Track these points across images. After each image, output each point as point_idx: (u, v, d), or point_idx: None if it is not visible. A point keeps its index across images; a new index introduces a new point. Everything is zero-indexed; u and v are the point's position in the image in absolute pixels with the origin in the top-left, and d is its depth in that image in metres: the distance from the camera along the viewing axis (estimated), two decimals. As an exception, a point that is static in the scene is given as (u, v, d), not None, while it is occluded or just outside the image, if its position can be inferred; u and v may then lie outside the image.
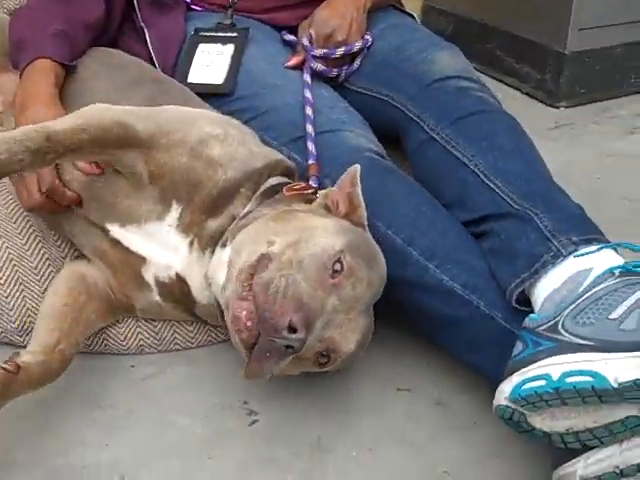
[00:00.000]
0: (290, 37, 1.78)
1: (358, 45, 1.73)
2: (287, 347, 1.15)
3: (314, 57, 1.68)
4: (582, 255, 1.25)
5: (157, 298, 1.45)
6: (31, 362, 1.27)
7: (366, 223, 1.35)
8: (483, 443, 1.36)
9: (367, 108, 1.70)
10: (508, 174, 1.41)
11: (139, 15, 1.76)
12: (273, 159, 1.46)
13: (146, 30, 1.73)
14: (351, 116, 1.64)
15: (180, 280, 1.41)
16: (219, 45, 1.71)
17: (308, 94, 1.60)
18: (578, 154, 2.41)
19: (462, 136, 1.51)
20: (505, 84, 2.87)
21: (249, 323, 1.16)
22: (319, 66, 1.69)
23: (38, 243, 1.51)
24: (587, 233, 1.30)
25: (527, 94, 2.79)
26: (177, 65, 1.72)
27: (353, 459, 1.32)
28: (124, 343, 1.51)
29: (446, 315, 1.39)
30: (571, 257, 1.26)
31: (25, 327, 1.47)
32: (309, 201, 1.38)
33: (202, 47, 1.71)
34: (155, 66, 1.71)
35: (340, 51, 1.71)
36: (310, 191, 1.41)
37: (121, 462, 1.29)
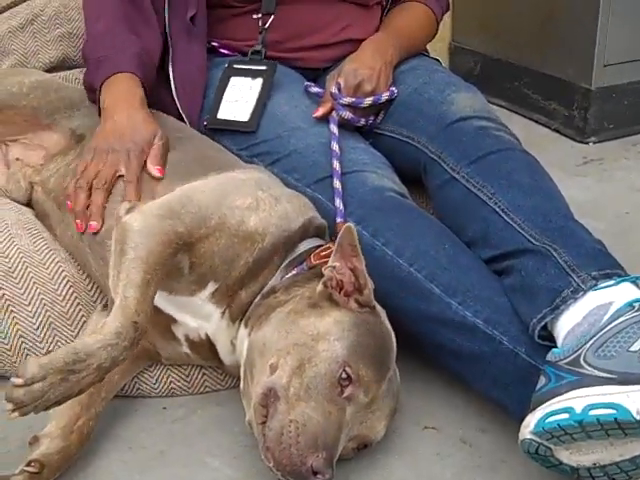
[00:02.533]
0: (315, 89, 1.76)
1: (385, 96, 1.73)
2: None
3: (342, 105, 1.69)
4: (602, 289, 1.26)
5: (186, 350, 1.48)
6: (51, 452, 1.29)
7: (374, 302, 1.33)
8: (511, 482, 1.35)
9: (389, 149, 1.72)
10: (527, 211, 1.43)
11: (170, 53, 1.76)
12: (307, 219, 1.45)
13: (171, 72, 1.75)
14: (373, 157, 1.66)
15: (209, 341, 1.44)
16: (249, 79, 1.74)
17: (335, 146, 1.61)
18: (608, 189, 2.41)
19: (482, 175, 1.52)
20: (534, 121, 2.89)
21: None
22: (347, 114, 1.68)
23: (70, 288, 1.54)
24: (607, 267, 1.31)
25: (556, 131, 2.81)
26: (205, 102, 1.76)
27: (381, 498, 1.32)
28: (155, 386, 1.53)
29: (470, 351, 1.40)
30: (591, 292, 1.27)
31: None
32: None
33: (233, 81, 1.74)
34: (177, 108, 1.75)
35: (368, 101, 1.71)
36: None
37: (152, 502, 1.31)
